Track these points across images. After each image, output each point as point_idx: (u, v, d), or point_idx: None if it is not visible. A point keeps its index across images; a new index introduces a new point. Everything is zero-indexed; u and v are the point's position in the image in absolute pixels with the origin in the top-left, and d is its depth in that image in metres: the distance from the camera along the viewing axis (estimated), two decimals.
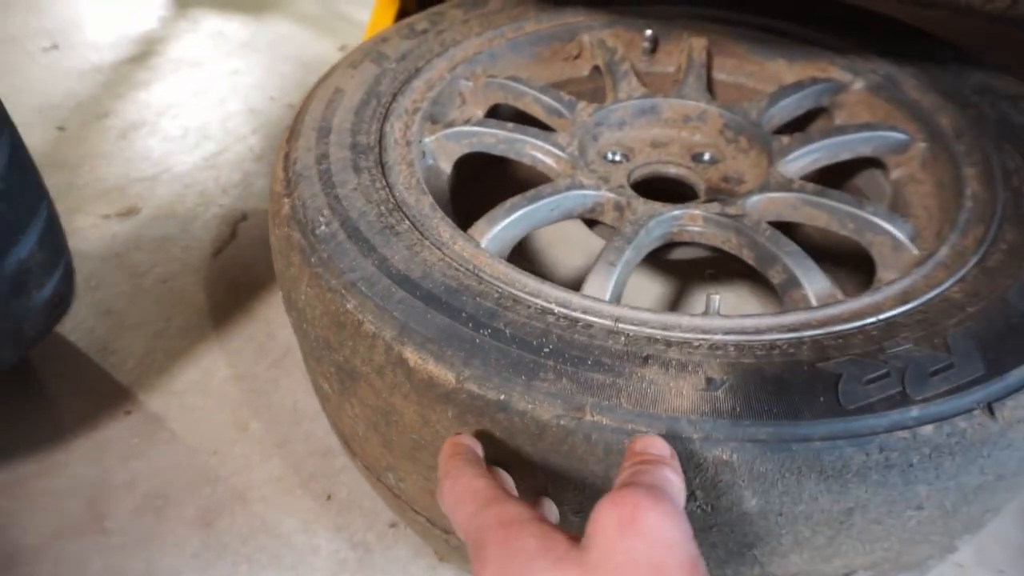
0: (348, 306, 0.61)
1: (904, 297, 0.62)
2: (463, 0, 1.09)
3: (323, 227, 0.68)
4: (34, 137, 1.55)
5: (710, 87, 1.07)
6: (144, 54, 1.89)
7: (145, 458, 0.96)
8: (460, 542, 0.51)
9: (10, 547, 0.86)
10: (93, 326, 1.14)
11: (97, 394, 1.03)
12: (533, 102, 0.96)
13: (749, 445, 0.50)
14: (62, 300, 0.95)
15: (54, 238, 0.91)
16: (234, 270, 1.25)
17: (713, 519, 0.53)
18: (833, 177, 0.97)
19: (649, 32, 1.07)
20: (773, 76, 1.04)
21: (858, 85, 0.95)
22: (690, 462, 0.50)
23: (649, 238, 0.75)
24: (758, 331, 0.58)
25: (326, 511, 0.90)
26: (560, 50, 1.08)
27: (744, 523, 0.53)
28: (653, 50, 1.09)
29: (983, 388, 0.52)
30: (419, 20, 1.04)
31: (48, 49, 1.92)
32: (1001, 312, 0.59)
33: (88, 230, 1.33)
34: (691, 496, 0.51)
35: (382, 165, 0.78)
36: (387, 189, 0.74)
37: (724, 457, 0.50)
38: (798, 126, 1.01)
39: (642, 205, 0.78)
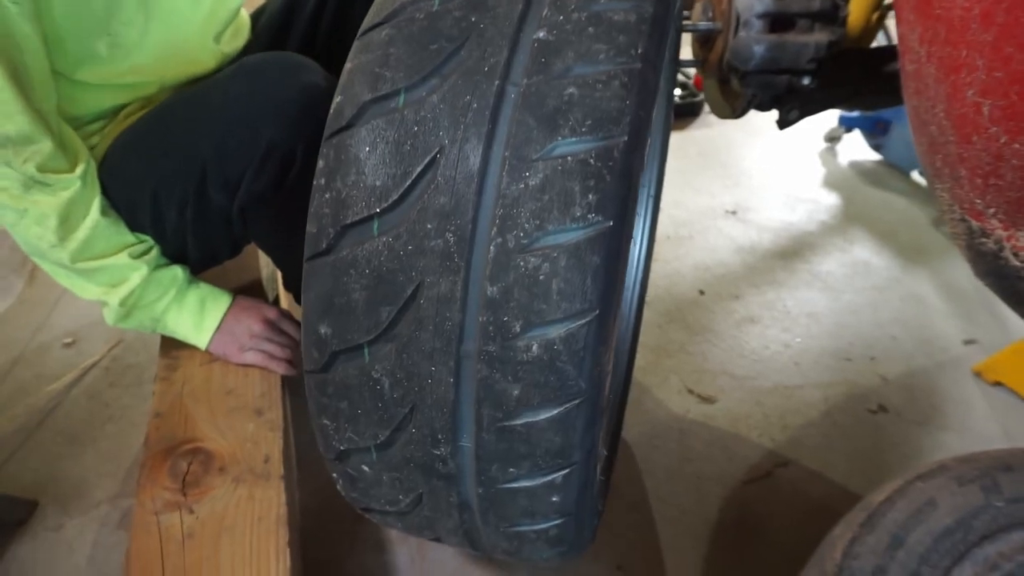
0: None
1: None
2: None
3: None
4: (683, 294, 2.00)
5: None
6: (787, 254, 2.18)
7: None
8: None
9: None
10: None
11: None
12: None
13: None
14: None
15: None
16: (759, 507, 1.41)
17: None
18: None
19: None
20: None
21: None
22: None
23: None
24: None
25: None
26: None
27: None
28: None
29: None
30: None
31: (728, 214, 2.39)
32: None
33: (671, 399, 1.67)
34: None
35: None
36: None
37: None
38: None
39: None
